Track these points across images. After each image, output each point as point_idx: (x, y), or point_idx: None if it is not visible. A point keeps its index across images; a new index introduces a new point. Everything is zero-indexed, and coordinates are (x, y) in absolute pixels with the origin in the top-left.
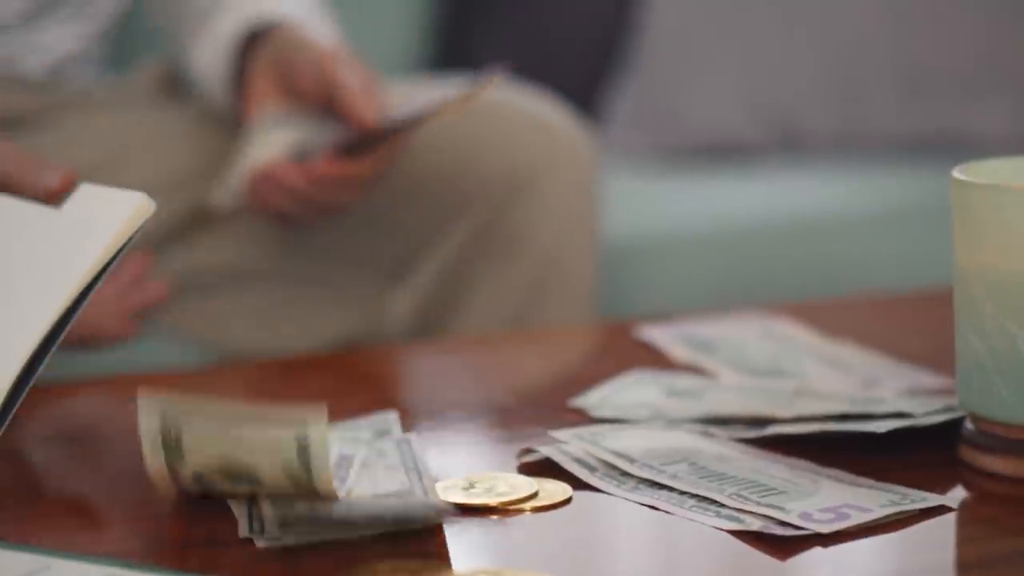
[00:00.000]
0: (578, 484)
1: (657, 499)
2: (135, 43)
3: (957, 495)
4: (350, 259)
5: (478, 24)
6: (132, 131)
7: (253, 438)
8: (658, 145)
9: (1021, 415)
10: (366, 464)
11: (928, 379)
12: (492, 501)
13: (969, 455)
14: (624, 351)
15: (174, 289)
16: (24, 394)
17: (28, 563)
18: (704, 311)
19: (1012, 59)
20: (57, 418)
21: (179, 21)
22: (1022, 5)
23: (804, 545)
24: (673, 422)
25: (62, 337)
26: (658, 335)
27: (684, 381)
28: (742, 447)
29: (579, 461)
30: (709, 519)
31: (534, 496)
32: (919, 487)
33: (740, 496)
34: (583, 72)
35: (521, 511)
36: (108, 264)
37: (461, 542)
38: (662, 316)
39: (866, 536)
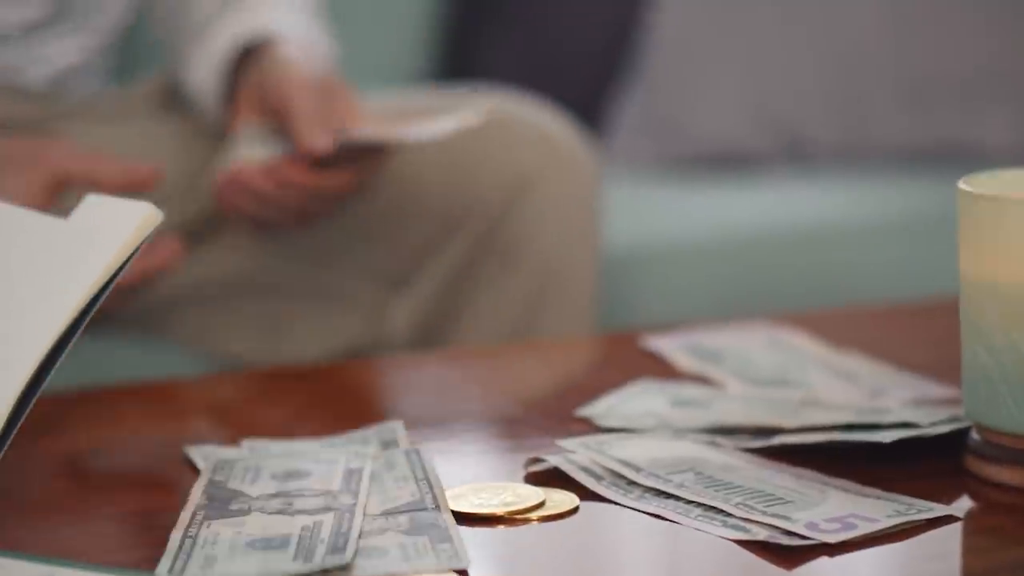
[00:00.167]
0: (585, 493)
1: (664, 508)
2: (140, 55)
3: (963, 505)
4: (351, 269)
5: (483, 34)
6: (133, 143)
7: None
8: (662, 154)
9: None
10: (375, 476)
11: (934, 389)
12: (499, 510)
13: (975, 465)
14: (630, 361)
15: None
16: (31, 404)
17: (36, 572)
18: (708, 321)
19: (1015, 69)
20: (63, 428)
21: (178, 34)
22: None
23: (810, 555)
24: (679, 431)
25: (70, 347)
26: (664, 345)
27: (690, 391)
28: (748, 457)
29: (586, 470)
30: (715, 528)
31: (541, 505)
32: (925, 497)
33: (746, 506)
34: (588, 82)
35: (528, 520)
36: (116, 274)
37: (469, 551)
38: (667, 326)
39: (872, 546)
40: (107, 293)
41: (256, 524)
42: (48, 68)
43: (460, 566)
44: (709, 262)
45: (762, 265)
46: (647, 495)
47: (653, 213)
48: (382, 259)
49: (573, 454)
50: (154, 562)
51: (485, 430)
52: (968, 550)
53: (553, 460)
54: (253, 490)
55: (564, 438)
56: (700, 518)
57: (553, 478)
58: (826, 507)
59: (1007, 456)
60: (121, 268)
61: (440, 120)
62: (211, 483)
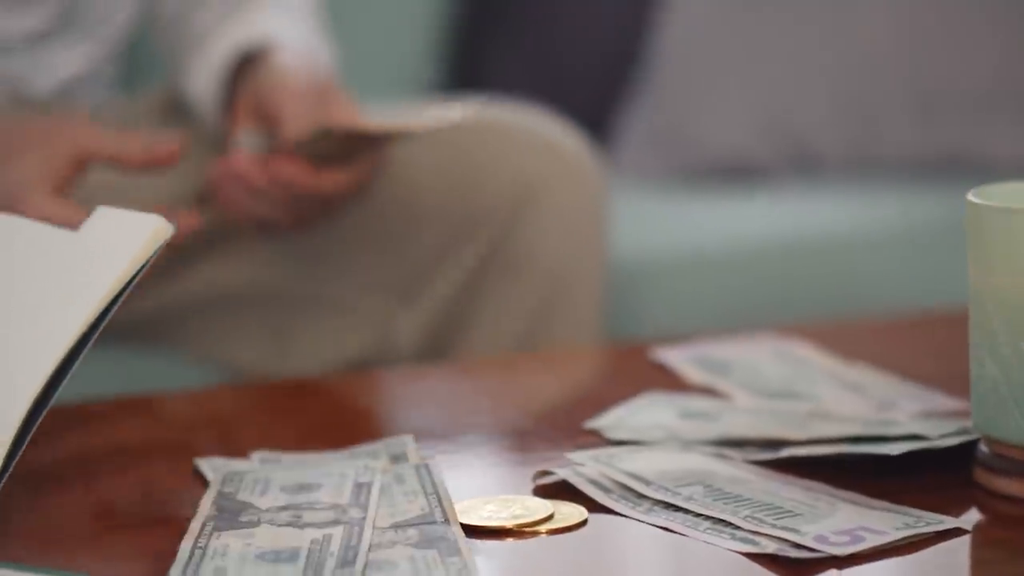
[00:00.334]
0: (594, 506)
1: (672, 521)
2: (145, 65)
3: (972, 518)
4: (358, 280)
5: (491, 45)
6: None
7: None
8: (670, 165)
9: None
10: (385, 490)
11: (942, 401)
12: (508, 523)
13: (984, 478)
14: (638, 373)
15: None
16: (42, 416)
17: None
18: (716, 331)
19: None
20: (73, 439)
21: (179, 44)
22: None
23: (819, 568)
24: (688, 444)
25: (80, 360)
26: (672, 357)
27: (698, 403)
28: (757, 469)
29: (595, 483)
30: (724, 541)
31: (550, 518)
32: (934, 510)
33: (755, 518)
34: (596, 92)
35: (537, 533)
36: (126, 287)
37: (478, 564)
38: (675, 337)
39: (881, 559)
40: (117, 306)
41: (266, 536)
42: (53, 77)
43: None
44: (717, 273)
45: (770, 276)
46: (656, 508)
47: (661, 224)
48: (389, 270)
49: (582, 467)
50: (164, 573)
51: (493, 442)
52: (977, 563)
53: (562, 473)
54: (263, 502)
55: (573, 451)
56: (709, 531)
57: (562, 491)
58: (835, 520)
59: (1016, 468)
60: (132, 281)
61: (429, 114)
62: (221, 495)
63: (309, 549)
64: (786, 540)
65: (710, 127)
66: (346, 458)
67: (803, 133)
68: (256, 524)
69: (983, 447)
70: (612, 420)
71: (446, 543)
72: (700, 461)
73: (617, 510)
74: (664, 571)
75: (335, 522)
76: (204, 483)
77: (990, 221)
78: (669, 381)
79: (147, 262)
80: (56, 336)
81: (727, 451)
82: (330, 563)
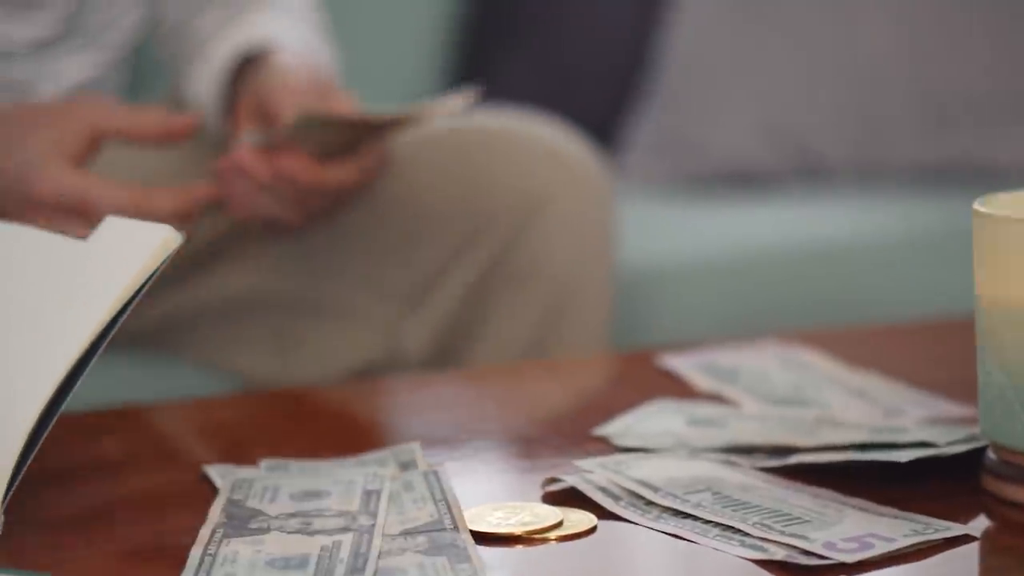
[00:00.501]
0: (603, 513)
1: (681, 528)
2: (151, 71)
3: (980, 524)
4: (365, 288)
5: (497, 53)
6: (145, 160)
7: None
8: (677, 173)
9: None
10: (394, 497)
11: (950, 408)
12: (517, 530)
13: (992, 484)
14: (646, 380)
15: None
16: (50, 426)
17: None
18: (723, 338)
19: None
20: (82, 447)
21: (182, 51)
22: None
23: (828, 574)
24: (696, 451)
25: (89, 368)
26: (679, 364)
27: (706, 410)
28: (765, 476)
29: (603, 490)
30: (733, 548)
31: (559, 525)
32: (942, 516)
33: (764, 525)
34: (602, 100)
35: (546, 540)
36: (135, 296)
37: (488, 571)
38: (682, 344)
39: (890, 565)
40: (126, 316)
41: (275, 543)
42: (58, 84)
43: None
44: (723, 280)
45: (776, 283)
46: (664, 515)
47: (667, 231)
48: (396, 278)
49: (590, 474)
50: None
51: (501, 449)
52: (985, 570)
53: (570, 480)
54: (272, 509)
55: (581, 458)
56: (718, 538)
57: (570, 498)
58: (843, 527)
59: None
60: (140, 291)
61: (427, 104)
62: (230, 502)
63: (319, 556)
64: (795, 547)
65: (716, 134)
66: (355, 465)
67: (809, 140)
68: (266, 531)
69: (991, 454)
70: (620, 427)
71: (456, 550)
72: (709, 468)
73: (626, 517)
74: None
75: (345, 529)
76: (213, 490)
77: (996, 230)
78: (677, 388)
79: (156, 272)
80: (65, 345)
81: (735, 458)
82: (340, 570)
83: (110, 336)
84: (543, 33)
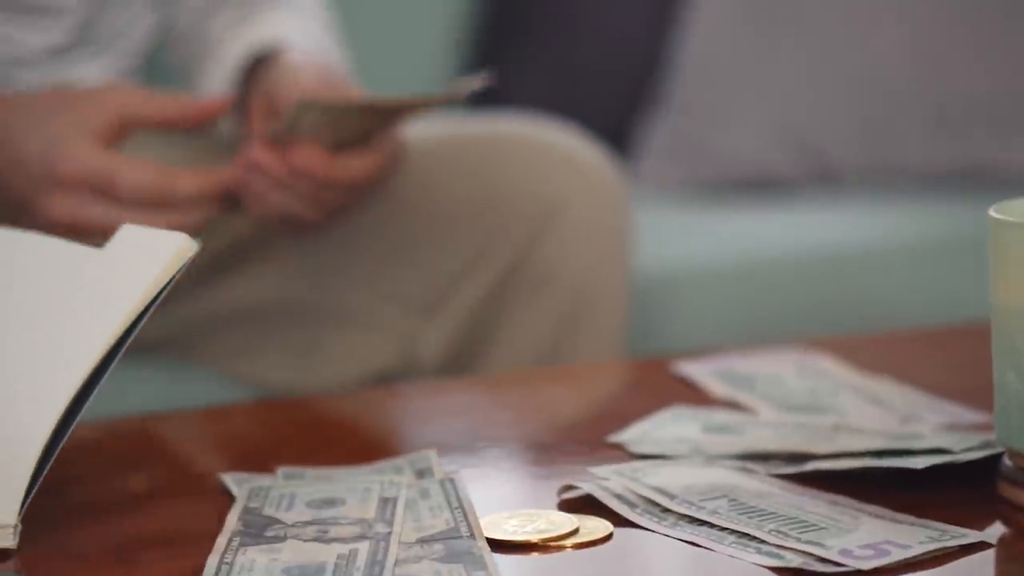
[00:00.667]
0: (619, 520)
1: (697, 535)
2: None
3: (996, 531)
4: (381, 295)
5: (511, 59)
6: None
7: None
8: (690, 178)
9: None
10: (410, 505)
11: (966, 415)
12: (533, 538)
13: (1008, 491)
14: (661, 386)
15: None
16: (67, 435)
17: None
18: (738, 344)
19: None
20: (98, 455)
21: (192, 54)
22: None
23: None
24: (712, 458)
25: (105, 377)
26: (695, 370)
27: (722, 417)
28: (781, 483)
29: (619, 497)
30: (749, 555)
31: (575, 532)
32: (958, 523)
33: (780, 532)
34: (616, 106)
35: (562, 548)
36: (151, 304)
37: None
38: (697, 351)
39: (906, 572)
40: (142, 323)
41: (292, 551)
42: None
43: None
44: (738, 286)
45: (792, 289)
46: (681, 522)
47: (682, 237)
48: (412, 285)
49: (606, 481)
50: None
51: (517, 456)
52: None
53: (586, 487)
54: (288, 517)
55: (596, 465)
56: (734, 545)
57: (586, 505)
58: (859, 534)
59: None
60: (156, 299)
61: (437, 90)
62: (246, 510)
63: (335, 564)
64: (811, 554)
65: (730, 140)
66: (371, 473)
67: (823, 145)
68: (282, 539)
69: (1007, 460)
70: (636, 434)
71: (472, 557)
72: (725, 475)
73: (642, 524)
74: None
75: (361, 537)
76: (229, 498)
77: (1011, 236)
78: (692, 395)
79: (172, 280)
80: (81, 354)
81: (751, 465)
82: None
83: (126, 345)
84: (556, 38)
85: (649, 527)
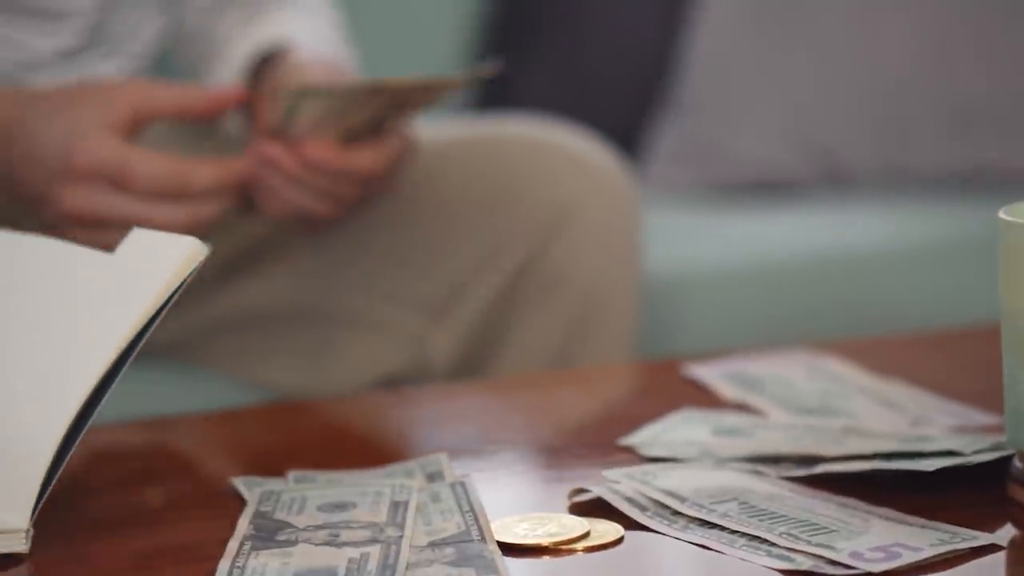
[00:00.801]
0: (629, 523)
1: (708, 538)
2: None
3: (1007, 533)
4: (393, 298)
5: (521, 62)
6: None
7: None
8: (701, 181)
9: None
10: (421, 508)
11: (977, 416)
12: (544, 541)
13: (1018, 493)
14: (672, 389)
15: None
16: (79, 438)
17: None
18: (749, 346)
19: None
20: (110, 460)
21: (200, 55)
22: None
23: None
24: (722, 461)
25: (117, 381)
26: (705, 373)
27: (733, 419)
28: (791, 486)
29: (630, 501)
30: (760, 558)
31: (586, 536)
32: (968, 526)
33: (790, 535)
34: (626, 108)
35: (573, 551)
36: (162, 308)
37: None
38: (708, 353)
39: (916, 575)
40: (153, 328)
41: (303, 555)
42: None
43: None
44: (749, 288)
45: (802, 291)
46: (691, 525)
47: (692, 239)
48: (423, 288)
49: (617, 484)
50: None
51: (527, 460)
52: None
53: (597, 491)
54: (299, 521)
55: (607, 468)
56: (744, 548)
57: (597, 508)
58: (870, 536)
59: None
60: (167, 303)
61: (450, 74)
62: (258, 514)
63: (347, 568)
64: (821, 557)
65: (740, 141)
66: (382, 476)
67: (834, 147)
68: (293, 543)
69: (1017, 462)
70: (646, 437)
71: (483, 561)
72: (735, 478)
73: (653, 527)
74: None
75: (372, 541)
76: (241, 502)
77: (1021, 239)
78: (703, 397)
79: (183, 284)
80: (92, 358)
81: (762, 467)
82: None
83: (137, 349)
84: (566, 41)
85: (660, 530)
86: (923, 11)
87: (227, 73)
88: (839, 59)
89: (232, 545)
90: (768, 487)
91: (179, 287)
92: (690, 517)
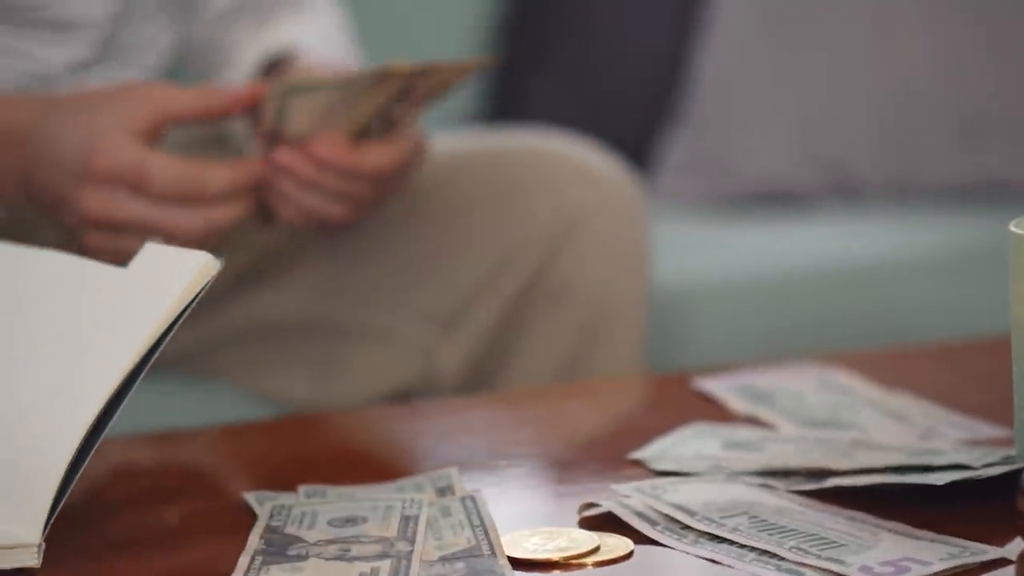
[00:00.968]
0: (639, 538)
1: (718, 552)
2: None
3: (1016, 547)
4: (401, 310)
5: (531, 74)
6: None
7: None
8: (711, 192)
9: None
10: (431, 523)
11: (985, 429)
12: (554, 556)
13: None
14: (681, 402)
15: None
16: (91, 454)
17: None
18: (758, 359)
19: None
20: (121, 473)
21: (210, 65)
22: None
23: None
24: (732, 475)
25: (129, 396)
26: (715, 386)
27: (742, 433)
28: (801, 499)
29: (640, 515)
30: (770, 572)
31: (596, 550)
32: (978, 540)
33: (800, 549)
34: (635, 120)
35: (583, 566)
36: (174, 323)
37: None
38: (718, 366)
39: None
40: (165, 342)
41: (314, 570)
42: None
43: None
44: (757, 300)
45: (811, 303)
46: (701, 539)
47: (701, 251)
48: (431, 300)
49: (627, 498)
50: None
51: (537, 474)
52: None
53: (607, 505)
54: (310, 536)
55: (617, 482)
56: (754, 562)
57: (607, 522)
58: (879, 550)
59: None
60: (180, 317)
61: (435, 63)
62: (268, 528)
63: None
64: (831, 571)
65: (750, 154)
66: (392, 491)
67: (843, 159)
68: (304, 558)
69: None
70: (656, 451)
71: None
72: (745, 492)
73: (663, 542)
74: None
75: (383, 555)
76: (251, 516)
77: None
78: (712, 411)
79: (195, 298)
80: (105, 373)
81: (772, 481)
82: None
83: (150, 363)
84: (576, 53)
85: (670, 544)
86: (934, 24)
87: (236, 79)
88: (848, 72)
89: (243, 560)
90: (777, 501)
91: (192, 301)
92: (700, 531)
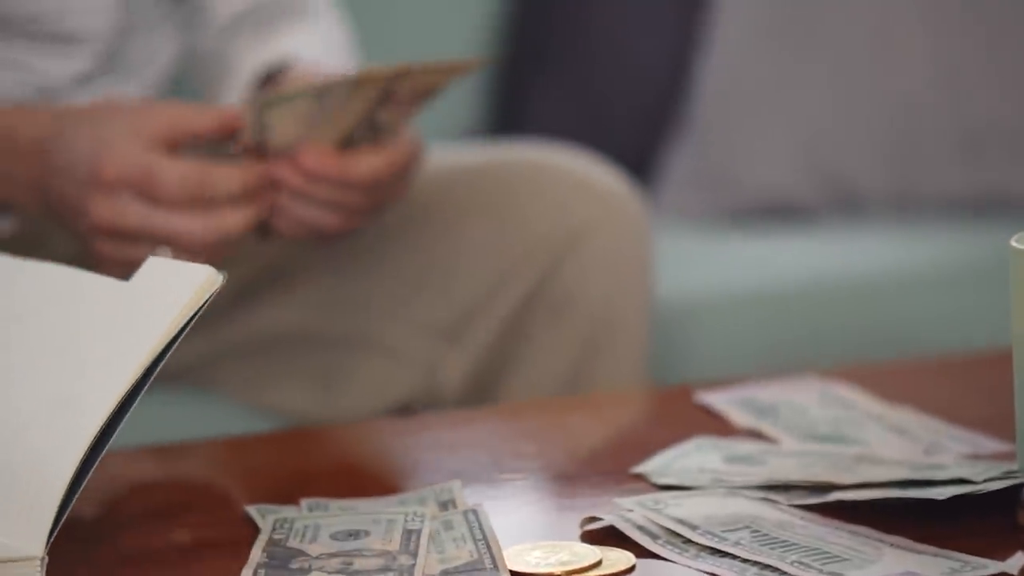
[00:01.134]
0: (641, 551)
1: (720, 567)
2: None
3: (1017, 562)
4: (403, 323)
5: (533, 87)
6: None
7: None
8: (714, 206)
9: None
10: (434, 536)
11: (987, 443)
12: (556, 570)
13: None
14: (683, 416)
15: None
16: (94, 468)
17: None
18: (761, 372)
19: None
20: (123, 487)
21: (213, 76)
22: None
23: None
24: (734, 489)
25: (132, 410)
26: (717, 400)
27: (745, 447)
28: (803, 513)
29: (642, 529)
30: None
31: (598, 564)
32: (979, 554)
33: (802, 563)
34: (638, 133)
35: None
36: (177, 337)
37: None
38: (720, 380)
39: None
40: (168, 355)
41: None
42: None
43: None
44: (761, 313)
45: (814, 316)
46: (703, 553)
47: (704, 264)
48: (433, 312)
49: (629, 512)
50: None
51: (539, 487)
52: None
53: (609, 519)
54: (313, 549)
55: (619, 496)
56: None
57: (609, 536)
58: (881, 565)
59: None
60: (183, 330)
61: (425, 63)
62: (271, 542)
63: None
64: None
65: (752, 167)
66: (394, 504)
67: (846, 173)
68: (307, 571)
69: None
70: (658, 465)
71: None
72: (747, 506)
73: (665, 556)
74: None
75: (385, 569)
76: (254, 530)
77: None
78: (714, 424)
79: (198, 311)
80: (107, 386)
81: (774, 495)
82: None
83: (152, 377)
84: (578, 66)
85: (672, 558)
86: (935, 37)
87: (235, 92)
88: (851, 85)
89: (246, 573)
90: (779, 515)
91: (194, 315)
92: (701, 545)
